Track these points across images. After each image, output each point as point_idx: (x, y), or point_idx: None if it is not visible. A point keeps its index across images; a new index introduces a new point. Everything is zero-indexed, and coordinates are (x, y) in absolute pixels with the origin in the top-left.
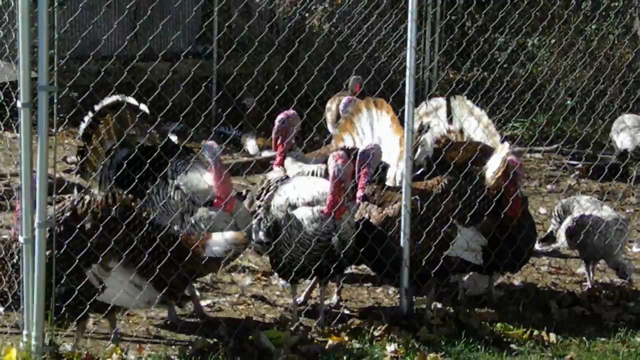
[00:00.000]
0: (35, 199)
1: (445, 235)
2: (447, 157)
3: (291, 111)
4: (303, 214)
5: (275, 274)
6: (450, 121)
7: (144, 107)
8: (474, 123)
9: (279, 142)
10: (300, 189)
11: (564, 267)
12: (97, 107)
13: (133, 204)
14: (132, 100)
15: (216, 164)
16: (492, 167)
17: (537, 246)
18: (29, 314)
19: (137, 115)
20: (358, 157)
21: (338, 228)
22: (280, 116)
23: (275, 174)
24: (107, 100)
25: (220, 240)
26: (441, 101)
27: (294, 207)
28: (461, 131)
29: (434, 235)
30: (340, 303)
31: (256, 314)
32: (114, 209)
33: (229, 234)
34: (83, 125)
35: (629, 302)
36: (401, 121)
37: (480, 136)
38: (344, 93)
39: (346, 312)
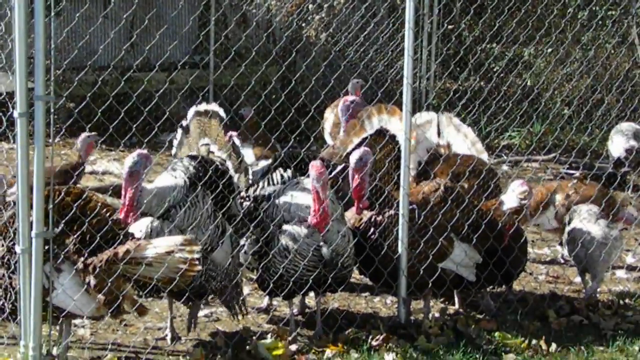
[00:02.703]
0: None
1: (442, 246)
2: (433, 167)
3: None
4: (292, 228)
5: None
6: (439, 135)
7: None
8: (461, 139)
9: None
10: (294, 201)
11: (562, 275)
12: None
13: (92, 197)
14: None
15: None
16: (509, 203)
17: (559, 248)
18: (27, 325)
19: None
20: (354, 163)
21: (329, 240)
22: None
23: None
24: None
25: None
26: (432, 115)
27: (286, 221)
28: (448, 146)
29: (431, 244)
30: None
31: (254, 324)
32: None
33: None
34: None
35: (627, 311)
36: None
37: (466, 152)
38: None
39: (344, 321)
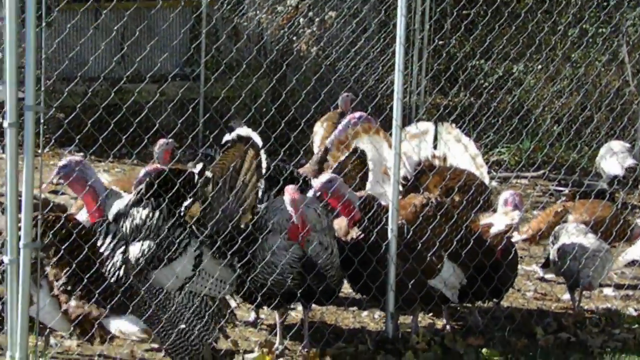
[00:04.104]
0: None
1: (432, 262)
2: (420, 181)
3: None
4: (272, 240)
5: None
6: (435, 147)
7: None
8: (460, 152)
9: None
10: (281, 213)
11: (550, 292)
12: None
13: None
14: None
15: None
16: (498, 226)
17: (540, 272)
18: (13, 336)
19: None
20: (319, 187)
21: (309, 252)
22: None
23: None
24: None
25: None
26: (429, 125)
27: (273, 232)
28: (444, 158)
29: (421, 260)
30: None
31: (241, 337)
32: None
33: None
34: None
35: (614, 328)
36: None
37: (466, 166)
38: (332, 116)
39: (332, 335)
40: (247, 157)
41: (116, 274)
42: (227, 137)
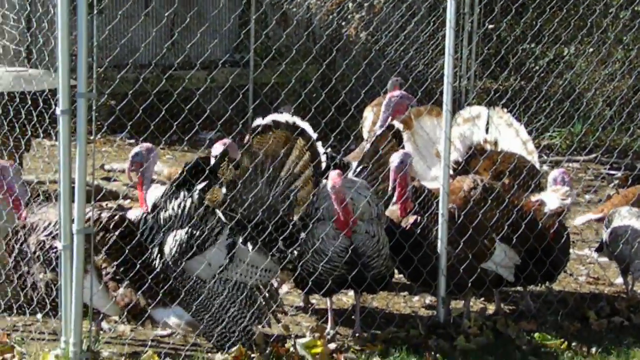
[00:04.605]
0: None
1: (484, 246)
2: (470, 165)
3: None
4: (320, 228)
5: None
6: (487, 131)
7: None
8: (511, 136)
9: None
10: (326, 199)
11: (603, 276)
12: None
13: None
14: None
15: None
16: (550, 204)
17: (595, 255)
18: (67, 320)
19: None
20: (394, 166)
21: (356, 240)
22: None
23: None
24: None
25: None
26: (482, 110)
27: (324, 219)
28: (495, 142)
29: (472, 244)
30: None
31: (292, 322)
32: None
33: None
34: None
35: None
36: None
37: (517, 150)
38: (382, 101)
39: (383, 320)
40: (297, 146)
41: (154, 264)
42: (260, 121)
